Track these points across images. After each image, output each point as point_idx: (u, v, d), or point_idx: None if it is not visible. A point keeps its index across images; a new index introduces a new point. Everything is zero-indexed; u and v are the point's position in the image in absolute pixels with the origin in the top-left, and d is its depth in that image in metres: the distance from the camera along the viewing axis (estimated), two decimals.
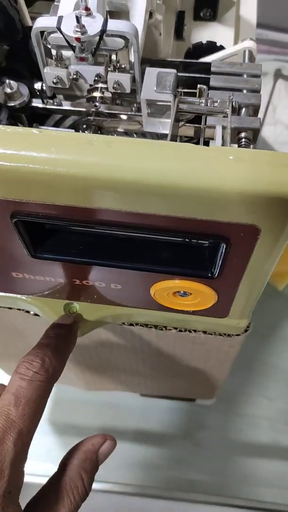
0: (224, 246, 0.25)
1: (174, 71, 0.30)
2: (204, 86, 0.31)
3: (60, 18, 0.28)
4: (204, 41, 0.40)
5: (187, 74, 0.35)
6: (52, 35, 0.30)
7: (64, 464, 0.30)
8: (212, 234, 0.25)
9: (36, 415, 0.28)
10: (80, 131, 0.34)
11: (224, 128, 0.30)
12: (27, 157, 0.21)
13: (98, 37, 0.28)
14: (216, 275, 0.28)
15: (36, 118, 0.36)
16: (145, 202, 0.23)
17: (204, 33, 0.44)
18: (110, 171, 0.21)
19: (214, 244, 0.26)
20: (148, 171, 0.21)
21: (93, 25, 0.28)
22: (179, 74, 0.35)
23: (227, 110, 0.29)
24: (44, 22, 0.29)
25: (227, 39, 0.44)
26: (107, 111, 0.33)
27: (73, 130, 0.35)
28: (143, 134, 0.35)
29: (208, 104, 0.31)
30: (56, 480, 0.30)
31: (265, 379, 0.69)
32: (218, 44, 0.40)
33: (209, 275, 0.28)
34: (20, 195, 0.23)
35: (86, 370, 0.49)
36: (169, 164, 0.21)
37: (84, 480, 0.30)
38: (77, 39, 0.28)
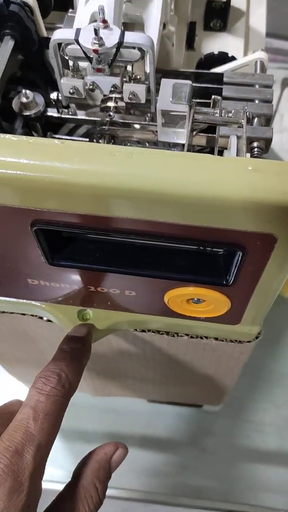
0: (240, 254, 0.26)
1: (189, 82, 0.30)
2: (218, 97, 0.31)
3: (78, 30, 0.29)
4: (215, 52, 0.40)
5: (200, 84, 0.36)
6: (69, 46, 0.30)
7: (77, 474, 0.31)
8: (229, 243, 0.25)
9: (54, 429, 0.28)
10: (95, 140, 0.35)
11: (238, 138, 0.30)
12: (50, 168, 0.22)
13: (115, 49, 0.29)
14: (230, 283, 0.28)
15: (50, 126, 0.37)
16: (165, 211, 0.23)
17: (214, 43, 0.45)
18: (131, 181, 0.22)
19: (230, 252, 0.27)
20: (169, 182, 0.22)
21: (110, 37, 0.28)
22: (194, 84, 0.35)
23: (242, 120, 0.29)
24: (62, 34, 0.29)
25: (237, 49, 0.44)
26: (121, 121, 0.34)
27: (87, 139, 0.36)
28: (155, 143, 0.36)
29: (222, 115, 0.31)
30: (70, 490, 0.30)
31: (271, 385, 0.69)
32: (229, 54, 0.40)
33: (224, 282, 0.29)
34: (41, 204, 0.24)
35: (95, 376, 0.50)
36: (190, 174, 0.22)
37: (98, 489, 0.30)
38: (95, 51, 0.28)
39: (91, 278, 0.31)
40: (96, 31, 0.27)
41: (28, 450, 0.26)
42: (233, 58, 0.39)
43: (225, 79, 0.35)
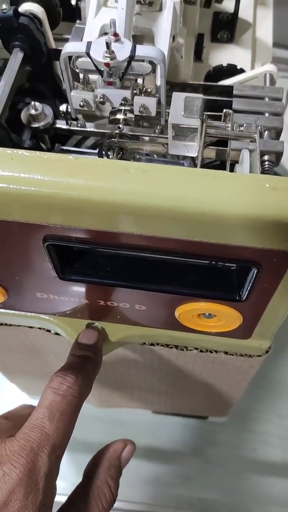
0: (255, 271, 0.25)
1: (201, 96, 0.30)
2: (230, 111, 0.31)
3: (89, 44, 0.29)
4: (224, 64, 0.40)
5: (209, 97, 0.36)
6: (80, 59, 0.30)
7: (89, 473, 0.31)
8: (245, 259, 0.25)
9: (69, 429, 0.28)
10: (103, 152, 0.34)
11: (251, 152, 0.30)
12: (64, 184, 0.22)
13: (126, 62, 0.28)
14: (244, 299, 0.28)
15: (58, 138, 0.36)
16: (181, 228, 0.23)
17: (221, 55, 0.45)
18: (147, 198, 0.21)
19: (244, 268, 0.26)
20: (185, 199, 0.21)
21: (122, 51, 0.28)
22: (204, 97, 0.35)
23: (255, 135, 0.29)
24: (73, 47, 0.29)
25: (244, 61, 0.44)
26: (130, 133, 0.33)
27: (96, 150, 0.35)
28: (164, 156, 0.36)
29: (234, 128, 0.31)
30: (83, 489, 0.30)
31: (276, 396, 0.68)
32: (238, 67, 0.40)
33: (237, 298, 0.28)
34: (54, 220, 0.23)
35: (101, 387, 0.49)
36: (206, 192, 0.22)
37: (111, 486, 0.30)
38: (106, 65, 0.28)
39: (101, 292, 0.30)
40: (107, 45, 0.27)
41: (44, 450, 0.26)
42: (241, 71, 0.39)
43: (235, 92, 0.35)
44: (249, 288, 0.27)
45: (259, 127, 0.32)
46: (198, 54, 0.42)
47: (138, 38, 0.35)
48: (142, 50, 0.28)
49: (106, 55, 0.27)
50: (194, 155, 0.31)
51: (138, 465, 0.64)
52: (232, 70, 0.39)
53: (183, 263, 0.27)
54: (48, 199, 0.22)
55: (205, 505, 0.63)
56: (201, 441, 0.66)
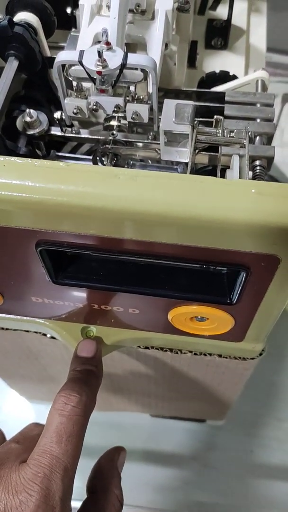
0: (244, 275, 0.26)
1: (191, 102, 0.31)
2: (221, 117, 0.31)
3: (81, 52, 0.29)
4: (217, 70, 0.41)
5: (202, 103, 0.36)
6: (73, 67, 0.31)
7: (93, 487, 0.31)
8: (233, 263, 0.25)
9: (78, 449, 0.28)
10: (98, 158, 0.35)
11: (241, 157, 0.30)
12: (55, 190, 0.22)
13: (118, 70, 0.29)
14: (234, 302, 0.29)
15: (53, 144, 0.37)
16: (169, 233, 0.23)
17: (215, 61, 0.45)
18: (135, 204, 0.22)
19: (234, 271, 0.27)
20: (173, 205, 0.22)
21: (114, 59, 0.29)
22: (196, 103, 0.36)
23: (244, 140, 0.30)
24: (66, 56, 0.30)
25: (238, 67, 0.45)
26: (124, 139, 0.34)
27: (91, 156, 0.36)
28: (158, 161, 0.36)
29: (225, 134, 0.32)
30: (93, 504, 0.30)
31: (274, 399, 0.69)
32: (230, 73, 0.41)
33: (228, 301, 0.29)
34: (46, 226, 0.24)
35: (98, 392, 0.49)
36: (193, 197, 0.22)
37: (118, 495, 0.31)
38: (99, 73, 0.29)
39: (95, 296, 0.31)
40: (99, 53, 0.28)
41: (57, 474, 0.26)
42: (234, 77, 0.40)
43: (227, 98, 0.36)
44: (239, 291, 0.27)
45: (249, 133, 0.32)
46: (192, 61, 0.43)
47: (131, 46, 0.35)
48: (134, 59, 0.29)
49: (98, 63, 0.28)
50: (186, 160, 0.32)
51: (137, 469, 0.64)
52: (225, 77, 0.40)
53: (174, 267, 0.27)
54: (40, 205, 0.22)
55: (204, 508, 0.63)
56: (199, 444, 0.66)
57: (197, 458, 0.65)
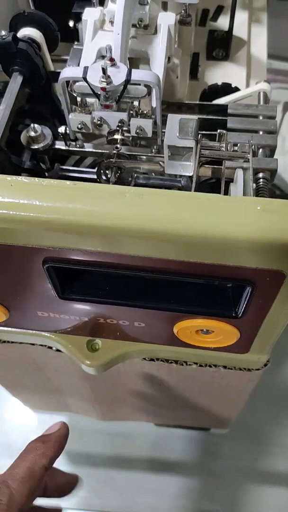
0: (250, 289, 0.26)
1: (195, 117, 0.31)
2: (224, 131, 0.32)
3: (86, 69, 0.30)
4: (219, 82, 0.41)
5: (205, 116, 0.36)
6: (77, 83, 0.31)
7: None
8: (239, 279, 0.25)
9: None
10: (102, 171, 0.35)
11: (245, 170, 0.31)
12: (62, 209, 0.22)
13: (122, 86, 0.29)
14: (240, 315, 0.29)
15: (57, 157, 0.37)
16: (175, 250, 0.23)
17: (217, 72, 0.45)
18: (142, 222, 0.22)
19: (239, 286, 0.27)
20: (179, 222, 0.22)
21: (118, 75, 0.29)
22: (199, 116, 0.36)
23: (248, 155, 0.30)
24: (70, 72, 0.30)
25: (239, 78, 0.45)
26: (128, 153, 0.34)
27: (95, 169, 0.36)
28: (162, 174, 0.36)
29: (228, 148, 0.32)
30: None
31: (278, 406, 0.69)
32: (232, 85, 0.41)
33: (233, 315, 0.29)
34: (53, 244, 0.24)
35: (102, 401, 0.49)
36: (199, 215, 0.22)
37: None
38: (103, 89, 0.29)
39: (101, 311, 0.31)
40: (103, 70, 0.28)
41: None
42: (236, 89, 0.40)
43: (229, 111, 0.36)
44: (244, 305, 0.28)
45: (253, 146, 0.32)
46: (194, 73, 0.43)
47: (134, 61, 0.36)
48: (138, 74, 0.29)
49: (103, 79, 0.28)
50: (190, 174, 0.32)
51: (141, 476, 0.64)
52: (227, 89, 0.40)
53: (180, 281, 0.28)
54: (47, 225, 0.23)
55: None
56: (203, 452, 0.66)
57: (202, 466, 0.65)
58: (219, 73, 0.46)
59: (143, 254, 0.24)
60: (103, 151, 0.34)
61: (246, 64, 0.47)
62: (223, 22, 0.49)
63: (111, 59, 0.29)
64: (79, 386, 0.43)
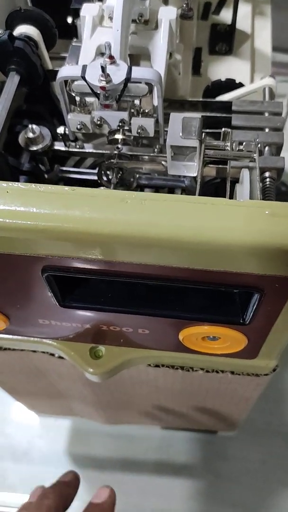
0: (258, 296, 0.25)
1: (199, 116, 0.30)
2: (229, 130, 0.30)
3: (84, 67, 0.28)
4: (222, 78, 0.40)
5: (209, 114, 0.35)
6: (76, 82, 0.30)
7: None
8: (247, 286, 0.24)
9: None
10: (103, 171, 0.34)
11: (251, 170, 0.29)
12: (61, 217, 0.21)
13: (122, 85, 0.28)
14: (248, 322, 0.28)
15: (57, 158, 0.36)
16: (181, 257, 0.22)
17: (220, 67, 0.44)
18: (144, 229, 0.21)
19: (247, 292, 0.26)
20: (184, 229, 0.21)
21: (118, 74, 0.28)
22: (202, 114, 0.35)
23: (254, 155, 0.29)
24: (68, 71, 0.29)
25: (243, 72, 0.44)
26: (129, 153, 0.33)
27: (96, 170, 0.35)
28: (165, 174, 0.35)
29: (233, 147, 0.31)
30: None
31: (285, 407, 0.68)
32: (236, 80, 0.40)
33: (241, 321, 0.28)
34: (52, 252, 0.23)
35: (106, 406, 0.49)
36: (204, 221, 0.21)
37: None
38: (102, 88, 0.28)
39: (103, 318, 0.30)
40: (103, 69, 0.27)
41: None
42: (240, 85, 0.39)
43: (233, 108, 0.34)
44: (252, 312, 0.26)
45: (259, 145, 0.31)
46: (196, 69, 0.42)
47: (135, 57, 0.34)
48: (138, 72, 0.28)
49: (102, 78, 0.27)
50: (194, 174, 0.31)
51: (147, 479, 0.64)
52: (231, 85, 0.39)
53: (185, 287, 0.27)
54: (45, 233, 0.21)
55: None
56: (211, 455, 0.65)
57: (209, 468, 0.64)
58: (222, 68, 0.44)
59: (145, 262, 0.23)
60: (103, 151, 0.33)
61: (250, 59, 0.46)
62: (225, 16, 0.48)
63: (111, 57, 0.28)
64: (83, 392, 0.42)
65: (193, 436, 0.64)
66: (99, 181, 0.34)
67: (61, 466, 0.63)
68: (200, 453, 0.65)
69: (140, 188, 0.35)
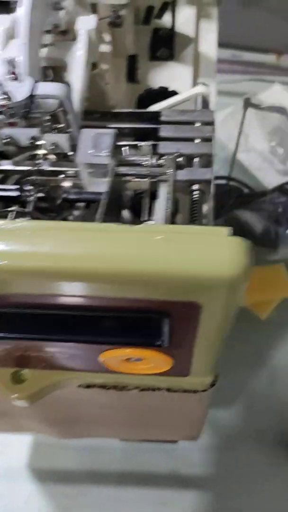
0: (167, 321, 0.24)
1: (112, 131, 0.28)
2: (150, 146, 0.29)
3: None
4: (159, 85, 0.39)
5: (136, 125, 0.34)
6: None
7: None
8: (153, 311, 0.23)
9: None
10: (22, 189, 0.33)
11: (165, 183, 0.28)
12: None
13: (27, 102, 0.27)
14: (165, 344, 0.27)
15: None
16: (72, 286, 0.21)
17: (161, 73, 0.43)
18: (27, 260, 0.20)
19: (158, 317, 0.25)
20: (66, 259, 0.20)
21: (20, 90, 0.26)
22: (127, 126, 0.33)
23: (169, 171, 0.28)
24: None
25: (185, 78, 0.43)
26: (49, 169, 0.32)
27: (18, 186, 0.33)
28: None
29: (155, 161, 0.30)
30: None
31: (252, 410, 0.67)
32: (176, 87, 0.38)
33: (159, 343, 0.27)
34: None
35: (56, 423, 0.47)
36: (92, 249, 0.20)
37: None
38: (2, 106, 0.26)
39: (23, 344, 0.29)
40: (1, 86, 0.25)
41: None
42: (174, 93, 0.38)
43: (162, 118, 0.34)
44: (168, 335, 0.25)
45: (182, 158, 0.30)
46: (131, 76, 0.41)
47: (57, 69, 0.33)
48: (43, 88, 0.27)
49: (1, 96, 0.26)
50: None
51: (112, 491, 0.63)
52: (164, 93, 0.38)
53: (100, 314, 0.25)
54: None
55: None
56: (175, 462, 0.64)
57: (174, 477, 0.63)
58: (163, 74, 0.43)
59: (49, 292, 0.22)
60: (22, 168, 0.32)
61: (193, 64, 0.45)
62: (169, 20, 0.47)
63: (13, 73, 0.26)
64: (22, 411, 0.41)
65: (155, 446, 0.63)
66: (21, 198, 0.32)
67: (23, 482, 0.62)
68: (164, 461, 0.64)
69: (69, 202, 0.34)
